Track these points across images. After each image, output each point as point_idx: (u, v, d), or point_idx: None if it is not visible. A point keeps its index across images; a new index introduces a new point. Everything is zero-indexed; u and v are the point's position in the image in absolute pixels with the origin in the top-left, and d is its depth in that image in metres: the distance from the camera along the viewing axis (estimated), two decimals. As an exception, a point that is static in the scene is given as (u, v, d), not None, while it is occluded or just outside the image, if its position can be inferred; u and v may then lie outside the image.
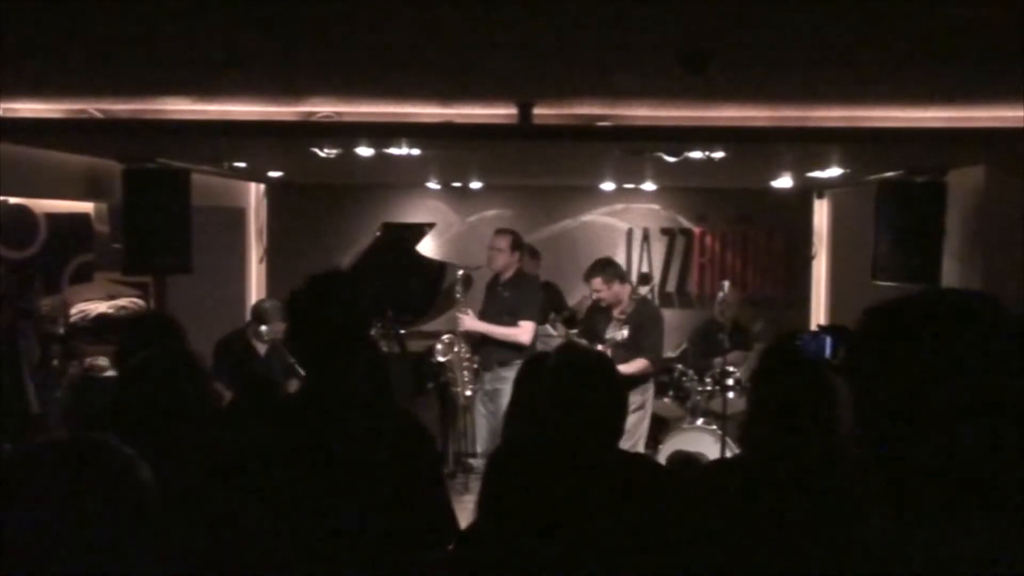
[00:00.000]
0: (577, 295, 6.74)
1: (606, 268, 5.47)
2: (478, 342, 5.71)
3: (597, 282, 5.38)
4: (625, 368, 5.03)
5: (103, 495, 1.18)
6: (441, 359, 5.86)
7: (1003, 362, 1.05)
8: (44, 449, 1.24)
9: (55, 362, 5.56)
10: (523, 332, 5.47)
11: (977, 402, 1.04)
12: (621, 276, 5.49)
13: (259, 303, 5.96)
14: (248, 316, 5.93)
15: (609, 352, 5.06)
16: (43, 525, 1.14)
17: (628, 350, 5.22)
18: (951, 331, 1.07)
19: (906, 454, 1.07)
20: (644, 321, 5.34)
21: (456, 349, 5.76)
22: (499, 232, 5.76)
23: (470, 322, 5.64)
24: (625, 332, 5.23)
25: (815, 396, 2.15)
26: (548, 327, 6.37)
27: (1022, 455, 1.03)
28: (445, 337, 5.87)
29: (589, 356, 2.34)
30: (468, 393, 5.76)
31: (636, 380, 5.20)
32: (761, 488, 2.07)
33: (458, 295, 5.80)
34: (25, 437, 3.92)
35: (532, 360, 2.85)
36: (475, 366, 5.74)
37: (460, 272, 5.88)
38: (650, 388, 5.47)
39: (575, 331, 6.20)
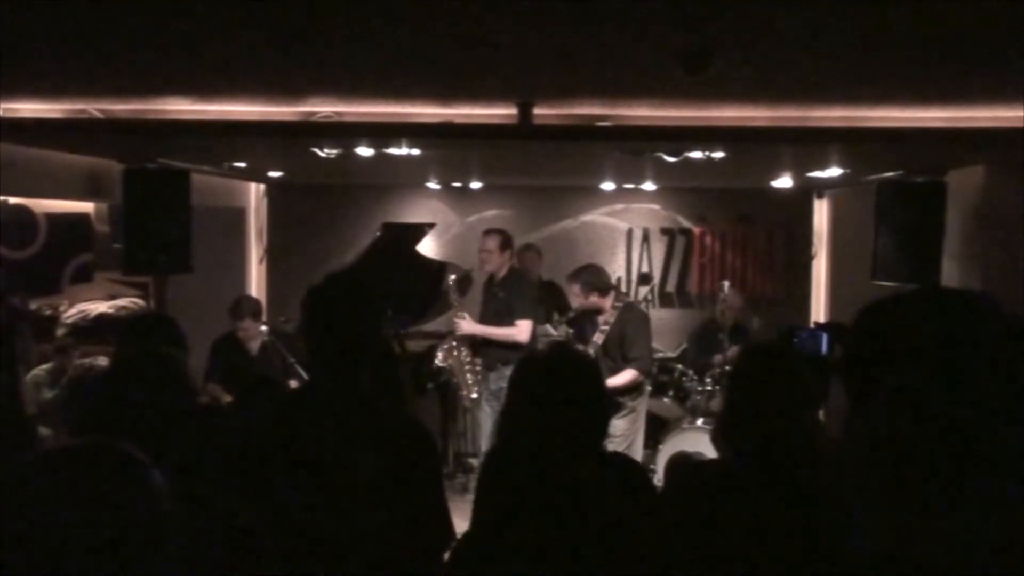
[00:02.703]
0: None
1: (580, 275, 5.38)
2: (479, 344, 5.72)
3: (575, 288, 5.35)
4: (613, 381, 5.00)
5: (118, 500, 1.18)
6: (441, 364, 5.86)
7: (999, 360, 1.04)
8: (58, 454, 1.24)
9: (52, 363, 5.57)
10: (520, 331, 5.46)
11: (975, 400, 1.04)
12: (600, 288, 5.34)
13: (242, 300, 5.93)
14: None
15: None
16: (58, 530, 1.14)
17: (614, 359, 5.21)
18: (947, 330, 1.07)
19: (902, 452, 1.07)
20: (627, 330, 5.27)
21: (456, 354, 5.77)
22: (488, 233, 5.75)
23: (468, 326, 5.64)
24: (599, 342, 5.23)
25: (793, 395, 2.14)
26: (548, 327, 6.37)
27: (1019, 451, 1.03)
28: (444, 343, 5.88)
29: (566, 356, 2.30)
30: (474, 395, 5.77)
31: (625, 389, 5.19)
32: (742, 488, 2.07)
33: (453, 299, 5.80)
34: (20, 439, 3.91)
35: (524, 361, 2.85)
36: (478, 368, 5.74)
37: (452, 277, 5.87)
38: (641, 392, 5.44)
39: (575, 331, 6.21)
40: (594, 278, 5.38)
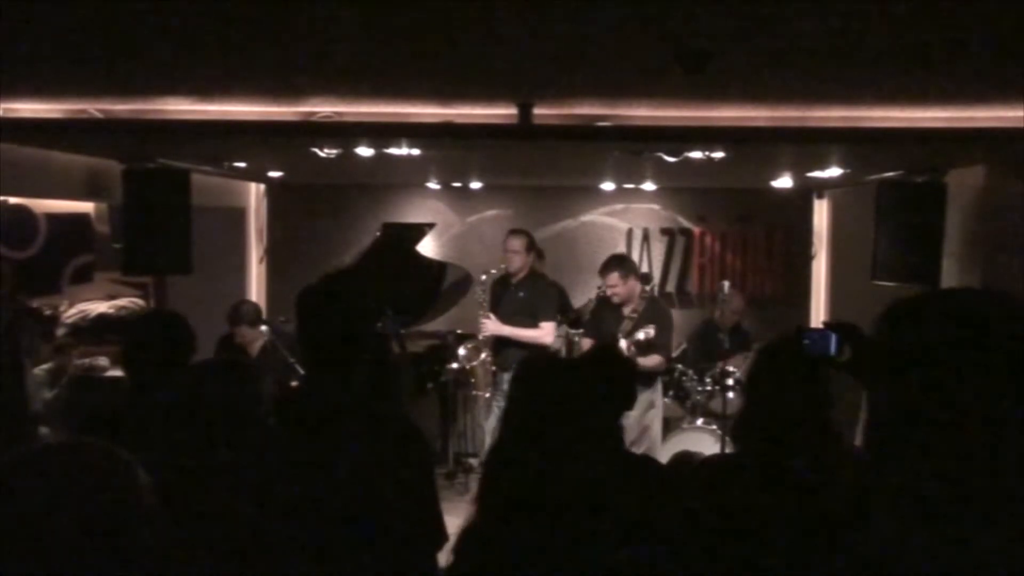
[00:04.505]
0: (577, 294, 6.74)
1: (623, 263, 5.49)
2: (497, 344, 5.71)
3: (614, 277, 5.33)
4: (644, 361, 5.10)
5: (99, 498, 1.17)
6: (467, 365, 5.86)
7: (1017, 366, 1.03)
8: (39, 453, 1.23)
9: (51, 363, 5.57)
10: (546, 333, 5.51)
11: (994, 407, 1.03)
12: (636, 272, 5.50)
13: (242, 305, 5.92)
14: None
15: (632, 351, 5.08)
16: (39, 529, 1.14)
17: (640, 348, 5.22)
18: (969, 334, 1.06)
19: (918, 456, 1.06)
20: (658, 319, 5.33)
21: (483, 356, 5.76)
22: (514, 233, 5.74)
23: (494, 326, 5.62)
24: (651, 331, 5.21)
25: (811, 395, 2.14)
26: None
27: None
28: (468, 342, 5.86)
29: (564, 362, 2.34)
30: (487, 395, 5.76)
31: (648, 377, 5.20)
32: (757, 486, 2.07)
33: (481, 301, 5.77)
34: (25, 436, 3.92)
35: (527, 361, 2.86)
36: (492, 368, 5.73)
37: (483, 276, 5.83)
38: (659, 387, 5.47)
39: (576, 331, 6.20)
40: (632, 262, 5.59)
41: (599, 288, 5.91)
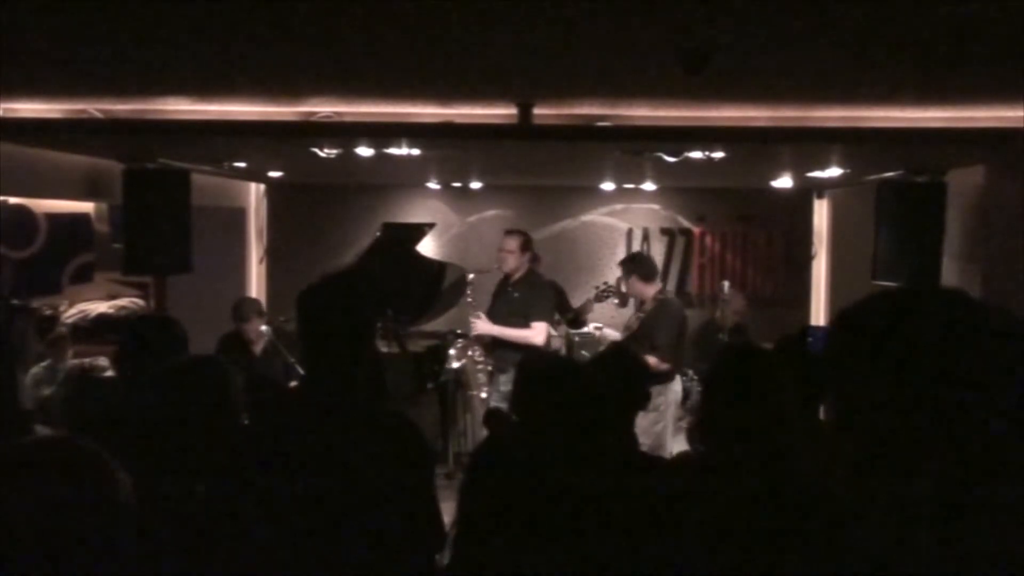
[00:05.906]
0: (577, 294, 6.74)
1: (624, 264, 5.55)
2: (492, 344, 5.70)
3: (624, 278, 5.41)
4: None
5: (78, 496, 1.17)
6: (456, 364, 5.85)
7: (982, 360, 1.04)
8: (17, 449, 1.23)
9: (48, 360, 5.57)
10: (536, 333, 5.47)
11: (956, 401, 1.03)
12: (644, 274, 5.47)
13: (244, 301, 5.94)
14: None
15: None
16: (18, 525, 1.13)
17: (641, 347, 5.20)
18: (928, 330, 1.07)
19: (886, 454, 1.07)
20: (658, 319, 5.30)
21: (470, 353, 5.75)
22: (508, 233, 5.73)
23: (483, 326, 5.61)
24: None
25: (769, 395, 2.14)
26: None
27: (1002, 451, 1.02)
28: (458, 342, 5.86)
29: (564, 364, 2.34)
30: (483, 395, 5.75)
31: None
32: (719, 485, 2.06)
33: (469, 299, 5.77)
34: (15, 433, 3.91)
35: (526, 362, 2.86)
36: (489, 368, 5.72)
37: (471, 276, 5.83)
38: (668, 391, 5.37)
39: (576, 331, 6.20)
40: (638, 265, 5.58)
41: (598, 288, 5.92)
